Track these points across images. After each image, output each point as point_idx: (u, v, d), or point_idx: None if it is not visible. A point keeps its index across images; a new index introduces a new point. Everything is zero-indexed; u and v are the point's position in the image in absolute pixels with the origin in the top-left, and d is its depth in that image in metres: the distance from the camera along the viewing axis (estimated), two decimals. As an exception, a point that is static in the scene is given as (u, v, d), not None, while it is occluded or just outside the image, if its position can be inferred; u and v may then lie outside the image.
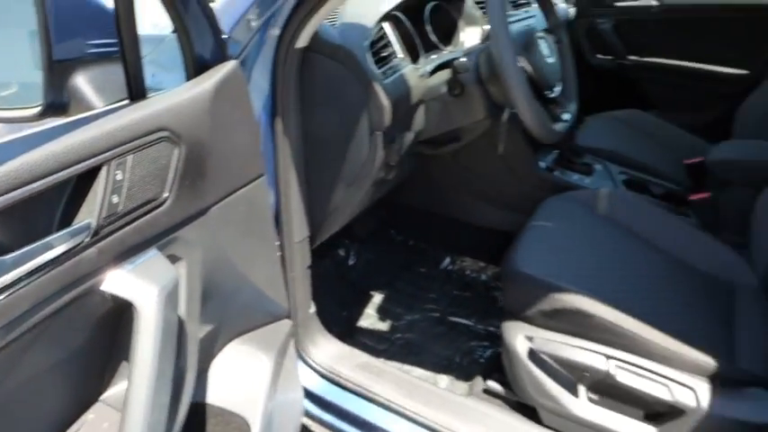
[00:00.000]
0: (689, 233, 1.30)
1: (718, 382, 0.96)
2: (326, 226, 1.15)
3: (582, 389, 1.07)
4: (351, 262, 1.80)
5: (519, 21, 1.48)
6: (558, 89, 1.15)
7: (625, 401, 1.04)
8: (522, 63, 1.05)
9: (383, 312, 1.65)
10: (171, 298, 0.58)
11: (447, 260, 1.84)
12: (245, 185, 0.78)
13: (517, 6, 1.58)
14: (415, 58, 1.16)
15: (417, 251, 1.89)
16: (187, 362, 0.66)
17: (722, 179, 1.37)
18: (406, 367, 1.42)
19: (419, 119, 1.18)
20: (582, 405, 1.07)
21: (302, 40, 0.89)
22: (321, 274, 1.67)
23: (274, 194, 0.99)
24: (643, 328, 0.99)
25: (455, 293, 1.72)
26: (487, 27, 1.38)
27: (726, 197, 1.36)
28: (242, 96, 0.76)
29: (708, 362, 0.96)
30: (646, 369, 1.00)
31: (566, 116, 1.16)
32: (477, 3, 1.39)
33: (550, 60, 1.10)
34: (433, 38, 1.25)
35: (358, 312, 1.64)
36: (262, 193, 0.85)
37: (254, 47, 0.88)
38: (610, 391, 1.04)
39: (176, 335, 0.62)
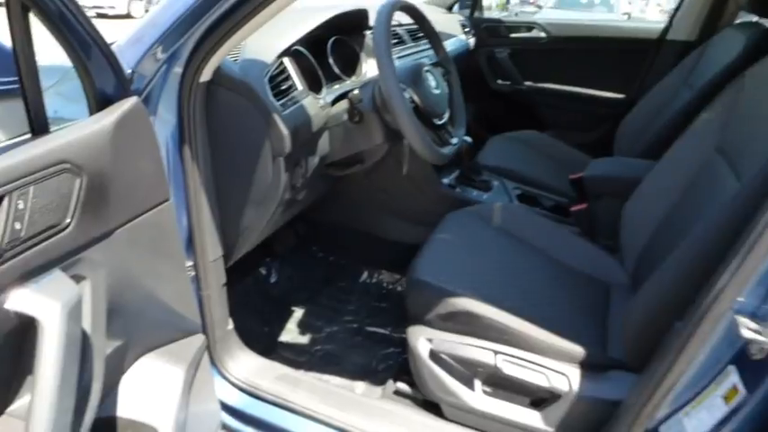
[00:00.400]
0: (570, 239, 1.48)
1: (588, 367, 1.11)
2: (240, 245, 1.22)
3: (477, 383, 1.18)
4: (272, 279, 1.86)
5: (415, 53, 1.63)
6: (446, 116, 1.29)
7: (513, 391, 1.16)
8: (410, 94, 1.18)
9: (304, 326, 1.72)
10: (74, 314, 0.63)
11: (365, 274, 1.94)
12: (150, 210, 0.84)
13: (416, 39, 1.74)
14: (317, 88, 1.26)
15: (337, 266, 1.98)
16: (93, 375, 0.71)
17: (596, 192, 1.56)
18: (325, 377, 1.49)
19: (324, 144, 1.28)
20: (478, 398, 1.17)
21: (206, 75, 0.97)
22: (243, 293, 1.72)
23: (186, 217, 1.05)
24: (525, 324, 1.12)
25: (373, 305, 1.82)
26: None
27: (599, 207, 1.55)
28: (144, 130, 0.83)
29: (579, 351, 1.09)
30: (527, 361, 1.12)
31: (454, 140, 1.31)
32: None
33: (437, 91, 1.24)
34: (336, 69, 1.36)
35: (279, 327, 1.70)
36: (168, 216, 0.91)
37: (159, 80, 0.95)
38: (500, 383, 1.15)
39: (80, 349, 0.67)
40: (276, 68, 1.11)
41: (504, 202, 1.72)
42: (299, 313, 1.76)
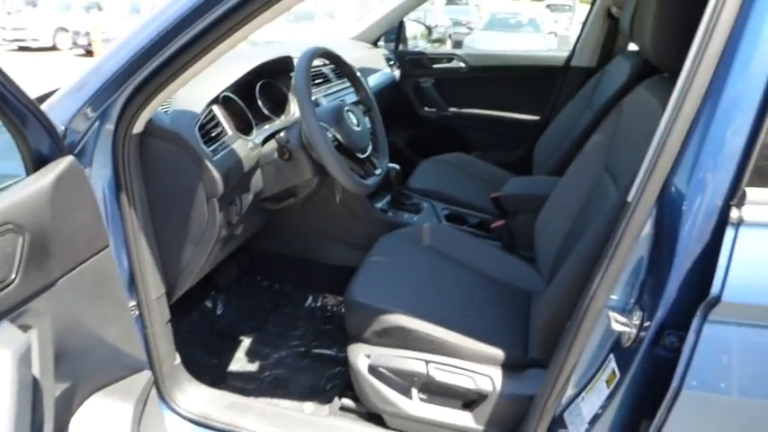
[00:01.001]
0: (492, 253, 1.62)
1: (509, 368, 1.23)
2: (181, 282, 1.28)
3: (414, 391, 1.28)
4: (219, 311, 1.91)
5: (340, 90, 1.76)
6: (369, 149, 1.42)
7: (446, 396, 1.27)
8: (333, 133, 1.30)
9: (252, 354, 1.78)
10: (23, 361, 0.69)
11: (309, 299, 2.02)
12: (90, 257, 0.91)
13: (341, 77, 1.87)
14: (248, 130, 1.36)
15: (282, 293, 2.05)
16: (44, 417, 0.76)
17: (513, 209, 1.73)
18: (275, 400, 1.55)
19: (257, 181, 1.37)
20: (415, 405, 1.27)
21: (138, 127, 1.04)
22: (190, 327, 1.76)
23: (127, 259, 1.11)
24: (452, 334, 1.24)
25: (318, 328, 1.90)
26: (314, 98, 1.63)
27: (516, 223, 1.72)
28: (80, 185, 0.90)
29: (501, 354, 1.22)
30: (456, 367, 1.24)
31: (378, 170, 1.43)
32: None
33: (358, 128, 1.37)
34: (265, 111, 1.47)
35: (228, 358, 1.75)
36: (107, 262, 0.97)
37: (92, 136, 1.01)
38: (434, 390, 1.26)
39: (31, 393, 0.72)
40: (206, 116, 1.20)
41: (433, 222, 1.85)
42: (246, 342, 1.82)
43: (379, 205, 1.88)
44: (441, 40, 11.54)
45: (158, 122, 1.09)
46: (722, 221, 0.72)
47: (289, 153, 1.34)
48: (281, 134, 1.32)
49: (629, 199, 0.84)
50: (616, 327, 0.84)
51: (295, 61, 1.61)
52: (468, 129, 2.68)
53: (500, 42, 9.75)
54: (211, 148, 1.17)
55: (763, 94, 0.69)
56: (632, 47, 2.11)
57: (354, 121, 1.37)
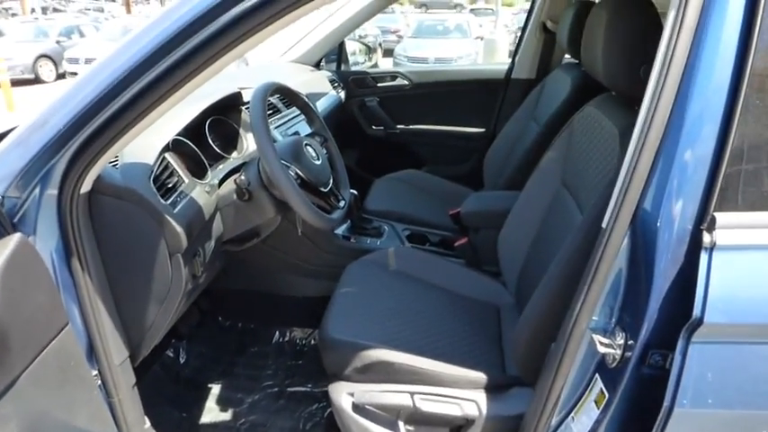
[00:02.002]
0: (459, 271, 1.64)
1: (492, 390, 1.25)
2: (146, 342, 1.21)
3: (401, 424, 1.27)
4: (182, 360, 1.82)
5: (291, 119, 1.72)
6: (330, 182, 1.39)
7: (434, 424, 1.26)
8: (295, 170, 1.27)
9: (223, 402, 1.70)
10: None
11: (277, 334, 1.97)
12: (51, 340, 0.83)
13: (289, 106, 1.84)
14: (202, 173, 1.30)
15: (247, 332, 1.98)
16: None
17: (474, 226, 1.75)
18: None
19: (217, 225, 1.32)
20: (403, 437, 1.27)
21: (86, 186, 0.96)
22: (154, 383, 1.67)
23: (84, 327, 1.03)
24: (432, 363, 1.24)
25: (290, 364, 1.85)
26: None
27: (479, 239, 1.74)
28: (33, 263, 0.82)
29: (482, 376, 1.23)
30: (440, 395, 1.24)
31: (341, 203, 1.41)
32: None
33: (318, 162, 1.34)
34: (217, 149, 1.41)
35: (198, 409, 1.67)
36: (70, 339, 0.89)
37: (33, 201, 0.92)
38: (421, 420, 1.25)
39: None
40: (159, 166, 1.13)
41: (395, 244, 1.85)
42: (216, 389, 1.74)
43: (340, 232, 1.86)
44: (372, 49, 11.63)
45: (108, 179, 1.02)
46: (695, 245, 0.75)
47: (248, 193, 1.30)
48: (241, 177, 1.28)
49: (604, 225, 0.86)
50: (601, 349, 0.87)
51: (244, 95, 1.57)
52: (417, 145, 2.70)
53: (430, 49, 9.96)
54: (169, 200, 1.10)
55: (721, 123, 0.73)
56: (568, 57, 2.20)
57: (314, 154, 1.35)
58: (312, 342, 1.94)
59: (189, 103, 1.35)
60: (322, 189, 1.34)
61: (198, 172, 1.32)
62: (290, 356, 1.88)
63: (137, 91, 0.87)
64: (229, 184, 1.32)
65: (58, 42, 11.62)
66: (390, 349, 1.25)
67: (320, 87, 2.34)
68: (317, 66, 2.59)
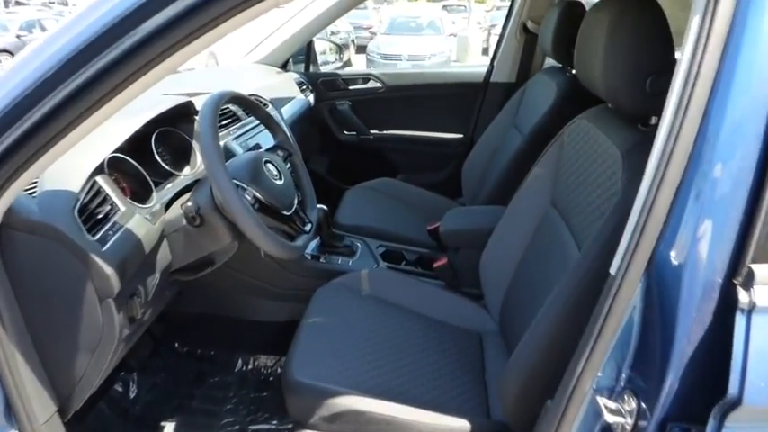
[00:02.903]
0: (437, 294, 1.52)
1: None
2: (78, 394, 1.03)
3: (374, 477, 1.13)
4: (132, 395, 1.63)
5: (252, 128, 1.55)
6: (295, 203, 1.24)
7: None
8: (252, 193, 1.10)
9: (178, 442, 1.53)
10: None
11: (239, 362, 1.80)
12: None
13: (249, 114, 1.67)
14: (146, 195, 1.13)
15: (207, 360, 1.81)
16: None
17: (453, 245, 1.62)
18: None
19: (164, 254, 1.15)
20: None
21: (-6, 220, 0.80)
22: (98, 423, 1.48)
23: (1, 388, 0.86)
24: (409, 410, 1.10)
25: (253, 396, 1.69)
26: (222, 143, 1.42)
27: (459, 259, 1.61)
28: None
29: (466, 426, 1.10)
30: None
31: (307, 227, 1.26)
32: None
33: (280, 182, 1.18)
34: (166, 166, 1.24)
35: (150, 453, 1.50)
36: None
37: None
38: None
39: None
40: (87, 194, 0.95)
41: (369, 264, 1.71)
42: (170, 428, 1.57)
43: (309, 252, 1.71)
44: (344, 46, 11.41)
45: (21, 211, 0.84)
46: (726, 303, 0.63)
47: (200, 218, 1.14)
48: (188, 204, 1.10)
49: (613, 271, 0.73)
50: (608, 417, 0.74)
51: (197, 103, 1.39)
52: (392, 151, 2.56)
53: (403, 46, 9.83)
54: (98, 235, 0.92)
55: (760, 152, 0.60)
56: (550, 61, 2.09)
57: (275, 172, 1.19)
58: (279, 370, 1.78)
59: (129, 115, 1.17)
60: (284, 212, 1.18)
61: (142, 194, 1.14)
62: (254, 388, 1.72)
63: (52, 106, 0.70)
64: (177, 208, 1.15)
65: (18, 37, 11.10)
66: (361, 396, 1.11)
67: (287, 91, 2.17)
68: (284, 67, 2.42)
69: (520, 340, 1.09)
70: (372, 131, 2.55)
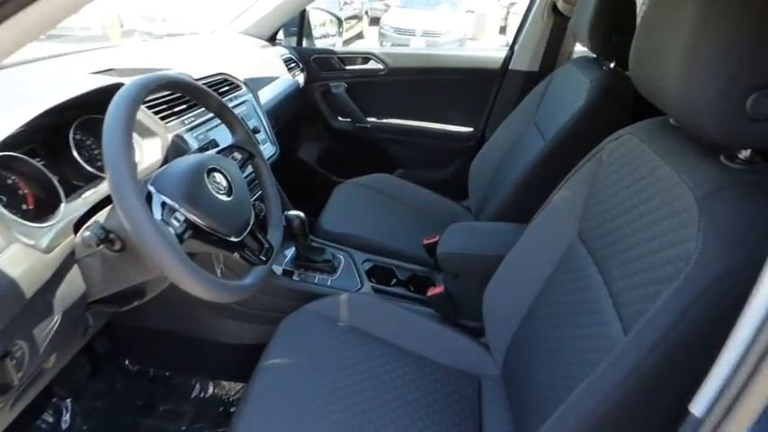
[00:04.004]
0: (431, 330, 1.26)
1: None
2: None
3: None
4: (64, 425, 1.39)
5: (210, 120, 1.26)
6: (251, 223, 0.96)
7: None
8: (186, 212, 0.82)
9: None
10: None
11: (197, 387, 1.55)
12: None
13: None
14: (51, 207, 0.85)
15: (160, 382, 1.56)
16: None
17: (453, 271, 1.34)
18: None
19: (73, 286, 0.88)
20: None
21: None
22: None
23: None
24: None
25: None
26: (172, 136, 1.14)
27: (458, 288, 1.34)
28: None
29: None
30: None
31: (264, 255, 0.98)
32: (152, 107, 1.12)
33: (227, 198, 0.90)
34: (88, 166, 0.95)
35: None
36: None
37: None
38: None
39: None
40: None
41: (352, 282, 1.43)
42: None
43: (281, 266, 1.43)
44: (357, 17, 10.93)
45: None
46: None
47: (121, 241, 0.86)
48: (87, 233, 0.82)
49: (697, 412, 0.46)
50: None
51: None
52: (391, 143, 2.26)
53: (418, 21, 9.38)
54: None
55: None
56: (579, 48, 1.77)
57: (224, 185, 0.90)
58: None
59: (30, 100, 0.89)
60: (231, 239, 0.90)
61: (45, 205, 0.86)
62: (211, 419, 1.47)
63: None
64: (96, 226, 0.87)
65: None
66: None
67: (270, 69, 1.86)
68: (272, 40, 2.11)
69: (527, 393, 0.96)
70: (370, 119, 2.24)
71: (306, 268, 1.45)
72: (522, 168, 1.48)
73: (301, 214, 1.39)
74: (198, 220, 0.84)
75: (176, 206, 0.82)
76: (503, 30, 11.18)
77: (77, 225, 0.88)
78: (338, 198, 1.83)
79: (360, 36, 10.93)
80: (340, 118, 2.26)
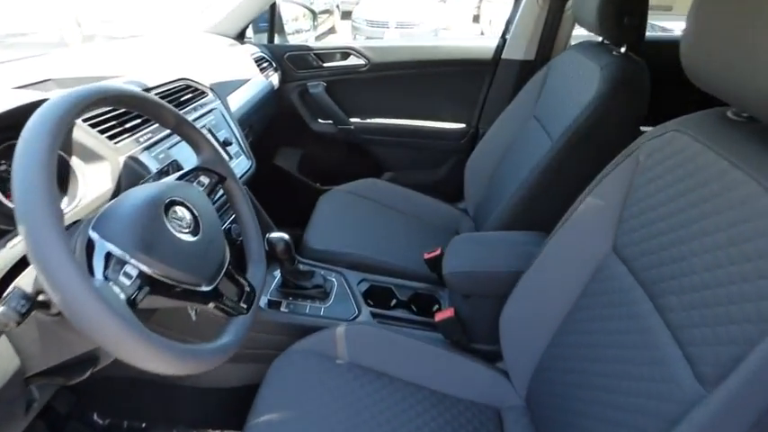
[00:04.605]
0: (442, 359, 1.12)
1: None
2: None
3: None
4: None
5: (168, 136, 1.07)
6: (224, 266, 0.78)
7: None
8: (137, 264, 0.64)
9: None
10: None
11: (177, 437, 1.37)
12: None
13: (188, 102, 1.18)
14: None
15: (134, 432, 1.37)
16: None
17: (462, 291, 1.19)
18: None
19: (4, 358, 0.70)
20: None
21: None
22: None
23: None
24: None
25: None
26: (124, 159, 0.95)
27: (468, 310, 1.18)
28: None
29: None
30: None
31: (245, 304, 0.80)
32: (96, 125, 0.93)
33: (192, 238, 0.72)
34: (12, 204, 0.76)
35: None
36: None
37: None
38: None
39: None
40: None
41: (348, 309, 1.27)
42: None
43: (266, 298, 1.26)
44: (328, 11, 10.66)
45: None
46: None
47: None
48: (24, 282, 0.64)
49: None
50: None
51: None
52: (377, 144, 2.08)
53: (390, 12, 9.16)
54: None
55: None
56: (579, 33, 1.61)
57: (187, 220, 0.72)
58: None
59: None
60: (203, 288, 0.73)
61: None
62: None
63: None
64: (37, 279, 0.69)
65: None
66: None
67: (241, 71, 1.67)
68: (241, 38, 1.92)
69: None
70: (353, 119, 2.07)
71: (294, 296, 1.28)
72: (528, 169, 1.32)
73: (285, 236, 1.21)
74: (156, 273, 0.66)
75: (126, 257, 0.64)
76: (476, 18, 11.03)
77: (5, 281, 0.70)
78: (324, 209, 1.66)
79: (332, 31, 10.67)
80: (320, 120, 2.08)
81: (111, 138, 0.95)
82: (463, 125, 2.01)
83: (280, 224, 2.06)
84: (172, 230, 0.70)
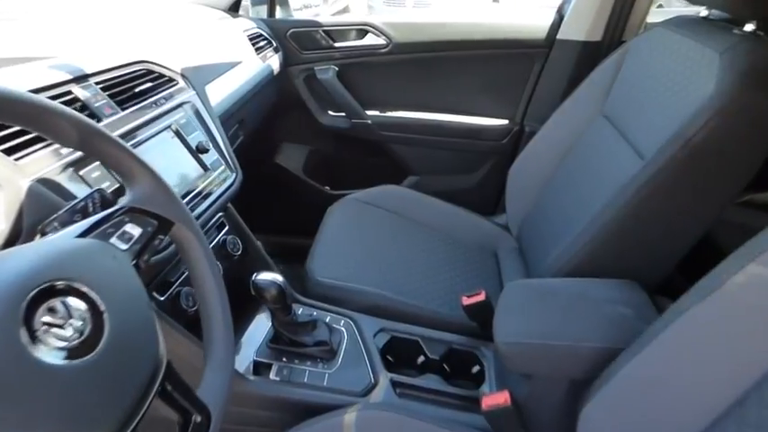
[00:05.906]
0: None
1: None
2: None
3: None
4: None
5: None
6: (153, 390, 0.46)
7: None
8: None
9: None
10: None
11: None
12: None
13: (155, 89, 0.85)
14: None
15: None
16: None
17: (523, 370, 0.85)
18: None
19: None
20: None
21: None
22: None
23: None
24: None
25: None
26: (30, 182, 0.63)
27: (531, 397, 0.85)
28: None
29: None
30: None
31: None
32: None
33: (87, 358, 0.38)
34: None
35: None
36: None
37: None
38: None
39: None
40: None
41: (361, 376, 0.95)
42: None
43: (251, 359, 0.94)
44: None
45: None
46: None
47: None
48: None
49: None
50: None
51: None
52: (399, 143, 1.75)
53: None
54: None
55: None
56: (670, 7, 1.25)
57: (78, 323, 0.40)
58: None
59: None
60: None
61: None
62: None
63: None
64: None
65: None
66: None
67: (229, 51, 1.34)
68: (235, 10, 1.58)
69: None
70: (370, 112, 1.73)
71: (290, 355, 0.96)
72: (606, 189, 0.97)
73: (279, 279, 0.90)
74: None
75: None
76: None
77: None
78: (333, 223, 1.34)
79: (345, 11, 10.23)
80: (331, 112, 1.75)
81: (8, 152, 0.63)
82: (505, 121, 1.67)
83: (281, 232, 1.75)
84: (39, 353, 0.37)
